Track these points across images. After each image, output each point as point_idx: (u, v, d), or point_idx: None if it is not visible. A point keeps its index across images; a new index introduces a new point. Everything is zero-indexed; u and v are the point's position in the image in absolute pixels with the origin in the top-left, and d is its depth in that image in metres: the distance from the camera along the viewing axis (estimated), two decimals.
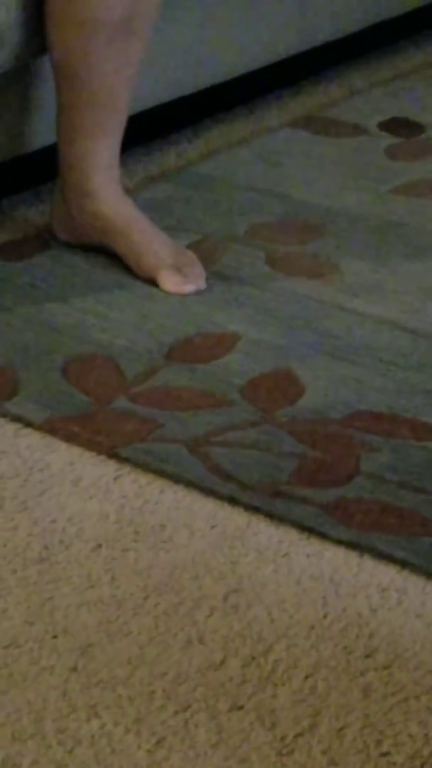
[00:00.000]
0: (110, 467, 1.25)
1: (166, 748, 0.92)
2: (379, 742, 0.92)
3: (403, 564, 1.11)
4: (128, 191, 1.58)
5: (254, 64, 1.85)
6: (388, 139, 1.91)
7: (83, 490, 1.22)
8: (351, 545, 1.13)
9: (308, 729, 0.95)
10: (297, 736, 0.94)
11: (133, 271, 1.53)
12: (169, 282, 1.51)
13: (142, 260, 1.51)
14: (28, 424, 1.28)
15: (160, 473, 1.23)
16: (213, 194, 1.77)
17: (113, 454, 1.24)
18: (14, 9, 1.43)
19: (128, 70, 1.46)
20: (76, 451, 1.27)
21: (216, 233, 1.65)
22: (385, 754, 0.92)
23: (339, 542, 1.14)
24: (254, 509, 1.19)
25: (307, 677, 1.00)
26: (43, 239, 1.61)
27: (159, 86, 1.69)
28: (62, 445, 1.26)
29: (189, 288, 1.51)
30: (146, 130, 1.76)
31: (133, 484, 1.23)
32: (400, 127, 1.95)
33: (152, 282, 1.53)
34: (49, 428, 1.28)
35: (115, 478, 1.23)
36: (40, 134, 1.59)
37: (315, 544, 1.15)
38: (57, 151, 1.52)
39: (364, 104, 2.02)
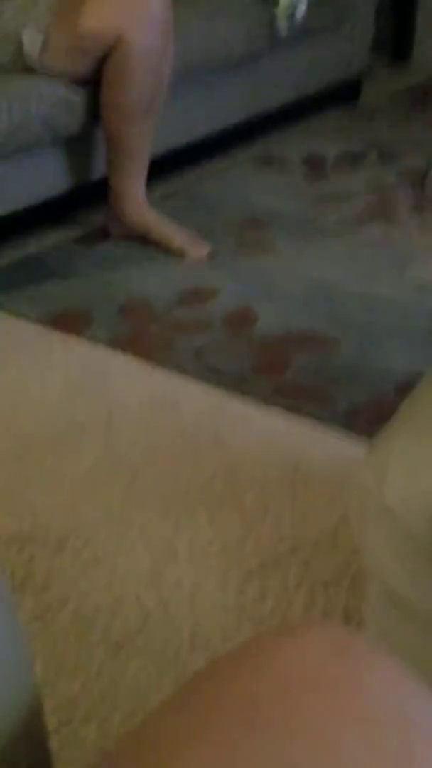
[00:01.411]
0: (147, 367, 1.63)
1: (181, 527, 1.27)
2: (302, 521, 1.27)
3: (315, 419, 1.48)
4: (152, 204, 2.01)
5: (227, 123, 2.37)
6: (305, 169, 2.38)
7: (131, 379, 1.60)
8: (286, 409, 1.51)
9: (262, 516, 1.29)
10: (256, 520, 1.28)
11: (164, 251, 1.93)
12: (193, 252, 1.94)
13: (171, 243, 1.93)
14: (99, 342, 1.69)
15: (175, 370, 1.61)
16: (204, 204, 2.21)
17: (149, 359, 1.65)
18: (81, 96, 1.88)
19: (149, 135, 1.90)
20: (126, 357, 1.65)
21: (206, 227, 2.07)
22: (306, 528, 1.24)
23: (278, 407, 1.51)
24: (229, 390, 1.56)
25: (261, 486, 1.34)
26: (104, 233, 2.03)
27: (169, 139, 2.14)
28: (118, 354, 1.67)
29: (203, 255, 1.93)
30: (163, 165, 2.17)
31: (160, 376, 1.61)
32: (312, 161, 2.43)
33: (178, 255, 1.93)
34: (111, 344, 1.69)
35: (150, 374, 1.62)
36: (99, 169, 2.01)
37: (265, 409, 1.52)
38: (108, 181, 1.96)
39: (292, 147, 2.50)
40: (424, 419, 0.85)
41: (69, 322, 1.76)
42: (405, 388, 1.52)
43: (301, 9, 2.33)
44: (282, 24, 2.32)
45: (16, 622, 0.49)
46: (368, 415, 1.49)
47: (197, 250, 1.96)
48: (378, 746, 0.39)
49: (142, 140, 1.90)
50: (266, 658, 0.43)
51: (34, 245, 2.03)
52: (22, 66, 1.86)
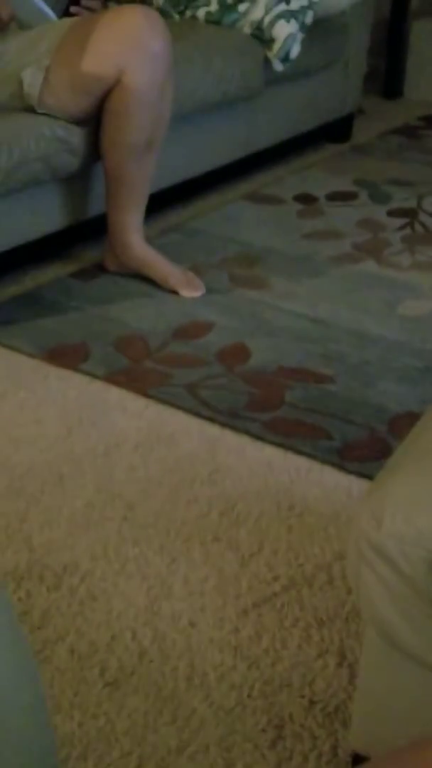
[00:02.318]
0: (142, 401, 1.64)
1: (177, 563, 1.27)
2: (297, 558, 1.28)
3: (308, 455, 1.49)
4: (148, 239, 2.03)
5: (222, 161, 2.40)
6: (297, 206, 2.41)
7: (127, 415, 1.60)
8: (279, 445, 1.52)
9: (257, 551, 1.29)
10: (251, 555, 1.29)
11: (159, 286, 1.95)
12: (186, 291, 1.95)
13: (167, 280, 1.94)
14: (96, 377, 1.69)
15: (170, 404, 1.62)
16: (199, 240, 2.23)
17: (144, 393, 1.65)
18: (81, 136, 1.89)
19: (149, 171, 1.92)
20: (122, 391, 1.66)
21: (200, 262, 2.09)
22: (301, 565, 1.26)
23: (272, 443, 1.52)
24: (224, 425, 1.57)
25: (255, 521, 1.35)
26: (101, 268, 2.04)
27: (165, 176, 2.15)
28: (115, 389, 1.67)
29: (198, 294, 1.95)
30: (160, 202, 2.19)
31: (155, 410, 1.62)
32: (304, 198, 2.46)
33: (173, 292, 1.94)
34: (107, 379, 1.68)
35: (145, 407, 1.63)
36: (96, 206, 2.02)
37: (259, 445, 1.52)
38: (106, 216, 1.96)
39: (285, 185, 2.53)
40: (421, 461, 0.86)
41: (65, 356, 1.77)
42: (398, 425, 1.57)
43: (295, 49, 2.37)
44: (276, 63, 2.36)
45: (34, 669, 0.49)
46: (361, 452, 1.51)
47: (192, 289, 1.98)
48: None
49: (141, 177, 1.91)
50: None
51: (31, 280, 2.05)
52: (23, 105, 1.87)
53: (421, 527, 0.80)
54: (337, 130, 2.87)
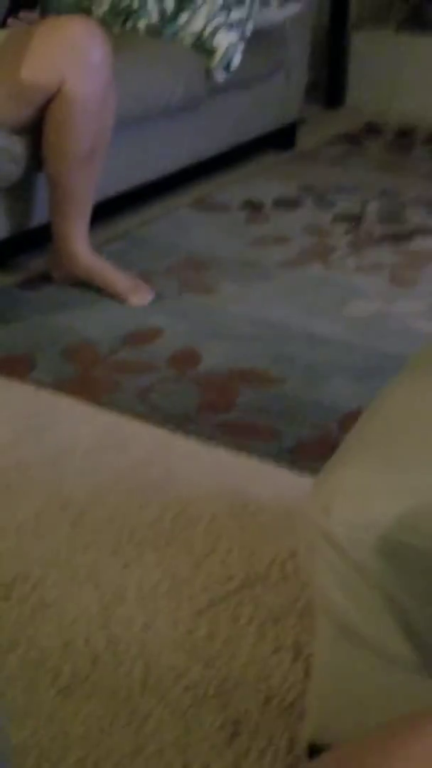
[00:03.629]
0: (92, 409, 1.62)
1: (130, 567, 1.25)
2: (251, 556, 1.28)
3: (261, 456, 1.49)
4: (95, 248, 2.01)
5: (167, 169, 2.40)
6: (244, 213, 2.43)
7: (77, 421, 1.58)
8: (233, 447, 1.52)
9: (211, 552, 1.27)
10: (205, 556, 1.27)
11: (107, 294, 1.94)
12: (134, 298, 1.94)
13: (114, 287, 1.93)
14: (43, 385, 1.67)
15: (121, 410, 1.60)
16: (146, 247, 2.23)
17: (94, 401, 1.63)
18: (23, 145, 1.87)
19: (92, 180, 1.90)
20: (71, 400, 1.64)
21: (148, 270, 2.09)
22: (254, 564, 1.24)
23: (226, 445, 1.52)
24: (175, 429, 1.56)
25: (208, 522, 1.33)
26: (46, 278, 2.03)
27: (111, 184, 2.15)
28: (63, 397, 1.65)
29: (146, 300, 1.95)
30: (105, 210, 2.19)
31: (106, 417, 1.60)
32: (251, 205, 2.48)
33: (121, 300, 1.94)
34: (55, 387, 1.67)
35: (95, 415, 1.60)
36: (39, 215, 2.01)
37: (211, 447, 1.52)
38: (51, 226, 1.95)
39: (231, 192, 2.55)
40: (368, 450, 0.87)
41: (12, 365, 1.75)
42: (349, 423, 1.52)
43: (236, 59, 2.39)
44: (218, 73, 2.38)
45: None
46: (313, 451, 1.51)
47: (140, 296, 1.97)
48: None
49: (85, 185, 1.90)
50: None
51: None
52: None
53: (370, 514, 0.81)
54: (281, 139, 2.89)
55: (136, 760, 0.99)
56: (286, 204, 2.50)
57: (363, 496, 0.82)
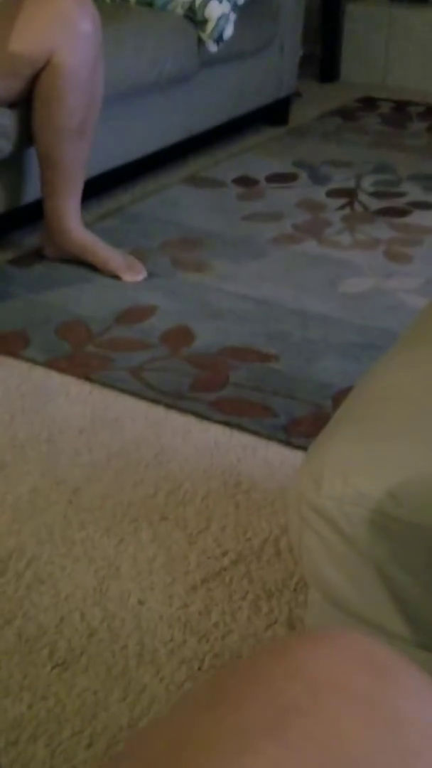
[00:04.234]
0: (86, 386, 1.62)
1: (124, 543, 1.25)
2: (244, 533, 1.27)
3: (254, 433, 1.50)
4: (87, 224, 2.01)
5: (159, 145, 2.38)
6: (237, 189, 2.42)
7: (70, 400, 1.59)
8: (225, 424, 1.52)
9: (205, 528, 1.28)
10: (199, 533, 1.28)
11: (100, 271, 1.93)
12: (127, 275, 1.93)
13: (107, 264, 1.93)
14: (37, 363, 1.67)
15: (114, 388, 1.61)
16: (139, 224, 2.22)
17: (87, 378, 1.63)
18: (13, 119, 1.86)
19: (83, 155, 1.89)
20: (64, 377, 1.65)
21: (141, 247, 2.09)
22: (248, 540, 1.27)
23: (218, 422, 1.52)
24: (168, 406, 1.56)
25: (202, 499, 1.34)
26: (39, 255, 2.03)
27: (102, 160, 2.14)
28: (56, 374, 1.65)
29: (139, 278, 1.93)
30: (97, 186, 2.19)
31: (99, 395, 1.60)
32: (244, 181, 2.47)
33: (113, 277, 1.92)
34: (48, 365, 1.67)
35: (89, 392, 1.61)
36: (31, 192, 2.00)
37: (205, 425, 1.52)
38: (43, 202, 1.94)
39: (224, 168, 2.54)
40: (358, 424, 0.87)
41: (5, 343, 1.75)
42: (341, 400, 1.55)
43: (228, 29, 2.37)
44: (210, 44, 2.36)
45: None
46: (306, 428, 1.51)
47: (133, 273, 1.96)
48: (411, 764, 0.38)
49: (76, 160, 1.89)
50: (295, 662, 0.41)
51: None
52: None
53: (360, 487, 0.80)
54: (274, 113, 2.87)
55: (132, 733, 1.00)
56: (280, 179, 2.48)
57: (353, 469, 0.82)
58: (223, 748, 0.37)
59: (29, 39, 1.76)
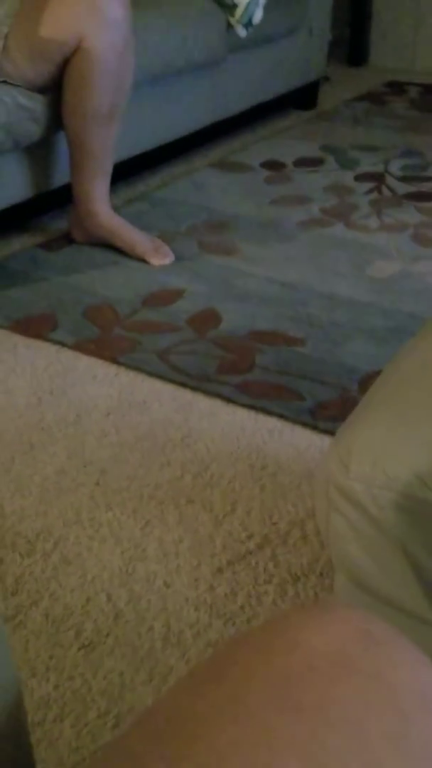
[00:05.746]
0: (113, 368, 1.63)
1: (150, 525, 1.26)
2: (270, 516, 1.27)
3: (280, 416, 1.49)
4: (115, 208, 2.01)
5: (187, 129, 2.38)
6: (265, 173, 2.42)
7: (98, 382, 1.59)
8: (251, 407, 1.52)
9: (231, 511, 1.29)
10: (225, 515, 1.28)
11: (127, 254, 1.94)
12: (155, 259, 1.94)
13: (135, 248, 1.93)
14: (65, 345, 1.68)
15: (141, 371, 1.61)
16: (167, 208, 2.22)
17: (114, 361, 1.64)
18: (43, 103, 1.87)
19: (112, 139, 1.89)
20: (92, 360, 1.66)
21: (169, 230, 2.09)
22: (275, 523, 1.27)
23: (244, 405, 1.52)
24: (195, 389, 1.57)
25: (229, 482, 1.34)
26: (68, 239, 2.03)
27: (131, 145, 2.15)
28: (84, 357, 1.66)
29: (167, 261, 1.94)
30: (126, 170, 2.20)
31: (126, 377, 1.61)
32: (272, 165, 2.47)
33: (141, 260, 1.93)
34: (76, 347, 1.68)
35: (116, 375, 1.62)
36: (61, 176, 2.00)
37: (231, 408, 1.52)
38: (72, 186, 1.94)
39: (252, 152, 2.54)
40: (387, 408, 0.87)
41: (34, 326, 1.75)
42: (368, 384, 1.55)
43: (258, 14, 2.35)
44: (239, 29, 2.35)
45: None
46: (333, 412, 1.51)
47: (160, 256, 1.96)
48: (405, 736, 0.39)
49: (105, 144, 1.89)
50: (295, 635, 0.42)
51: None
52: None
53: (389, 470, 0.80)
54: (303, 97, 2.86)
55: None
56: (308, 164, 2.47)
57: (381, 452, 0.82)
58: (223, 719, 0.38)
59: (59, 24, 1.76)
